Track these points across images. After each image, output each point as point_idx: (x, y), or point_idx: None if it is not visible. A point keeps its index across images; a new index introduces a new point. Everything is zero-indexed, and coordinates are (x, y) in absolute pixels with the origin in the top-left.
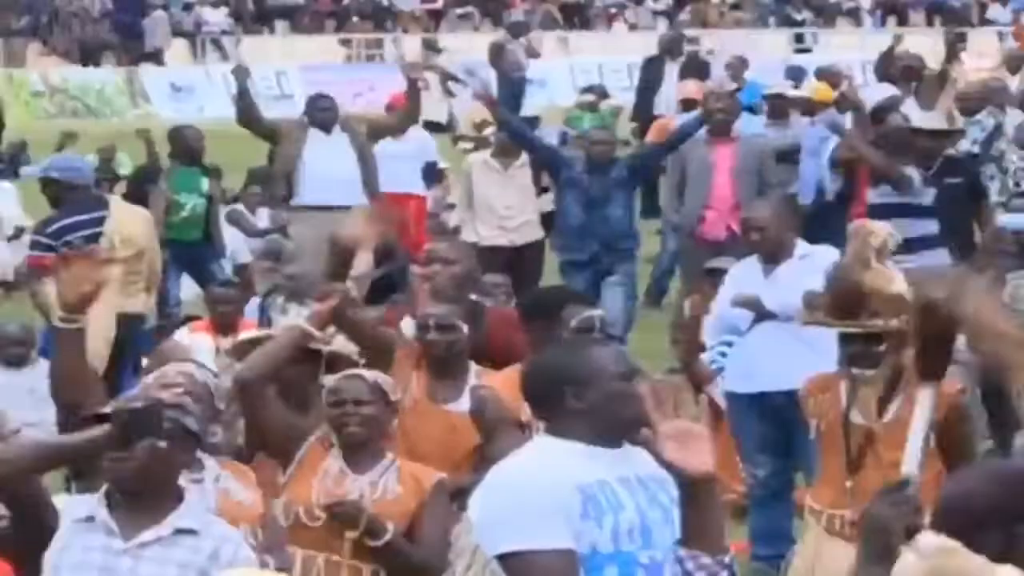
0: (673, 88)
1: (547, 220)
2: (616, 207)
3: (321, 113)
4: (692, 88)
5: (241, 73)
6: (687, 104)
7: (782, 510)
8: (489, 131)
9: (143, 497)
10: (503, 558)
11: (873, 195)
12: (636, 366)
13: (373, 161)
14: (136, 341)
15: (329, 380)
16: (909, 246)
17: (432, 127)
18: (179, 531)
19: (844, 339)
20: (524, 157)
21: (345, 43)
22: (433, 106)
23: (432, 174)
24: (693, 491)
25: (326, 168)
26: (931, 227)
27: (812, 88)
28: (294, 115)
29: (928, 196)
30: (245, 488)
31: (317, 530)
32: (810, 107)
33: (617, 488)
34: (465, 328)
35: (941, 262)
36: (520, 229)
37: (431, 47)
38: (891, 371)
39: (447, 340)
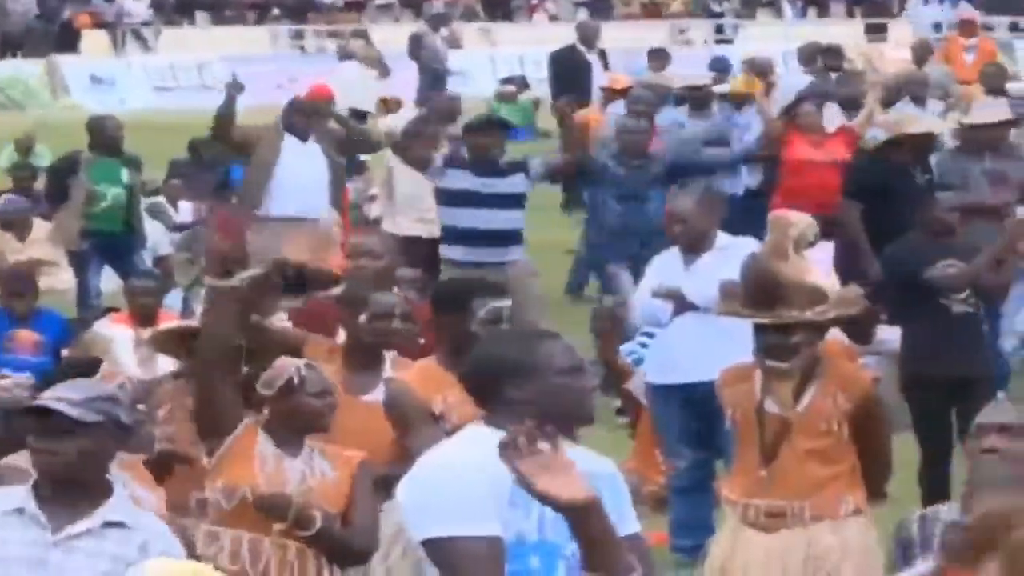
0: (592, 78)
1: None
2: (655, 203)
3: (299, 119)
4: (616, 79)
5: (234, 88)
6: (609, 95)
7: (703, 500)
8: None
9: (72, 490)
10: (429, 543)
11: None
12: (584, 361)
13: (342, 172)
14: None
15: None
16: None
17: (359, 116)
18: (108, 524)
19: (759, 330)
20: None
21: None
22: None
23: (353, 166)
24: (575, 520)
25: (299, 178)
26: None
27: (737, 80)
28: (215, 105)
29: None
30: (141, 487)
31: (261, 516)
32: (736, 99)
33: None
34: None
35: None
36: (439, 221)
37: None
38: (805, 362)
39: (410, 331)
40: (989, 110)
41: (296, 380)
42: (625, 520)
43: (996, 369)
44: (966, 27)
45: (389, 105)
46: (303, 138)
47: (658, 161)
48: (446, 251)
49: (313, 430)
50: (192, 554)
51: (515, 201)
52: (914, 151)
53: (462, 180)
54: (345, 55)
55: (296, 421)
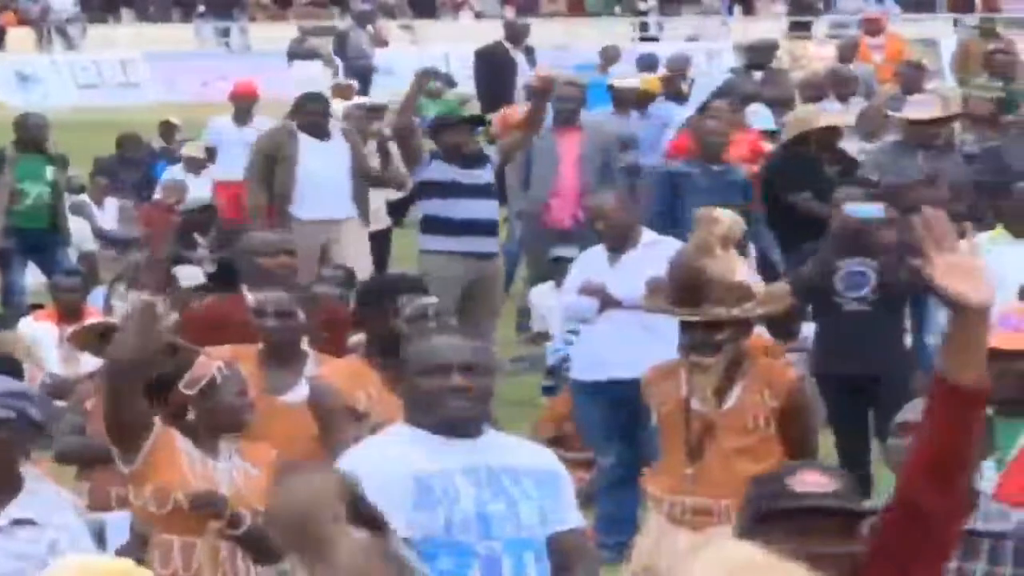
0: (517, 76)
1: (395, 208)
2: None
3: (311, 117)
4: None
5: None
6: (532, 91)
7: (628, 497)
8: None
9: None
10: None
11: None
12: (463, 362)
13: (366, 169)
14: None
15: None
16: None
17: None
18: (17, 522)
19: (684, 326)
20: (372, 146)
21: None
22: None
23: None
24: (965, 319)
25: (319, 179)
26: None
27: (642, 80)
28: (141, 102)
29: None
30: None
31: (194, 517)
32: (642, 98)
33: (458, 479)
34: (302, 315)
35: None
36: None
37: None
38: (730, 359)
39: (284, 326)
40: (926, 106)
41: (219, 380)
42: (566, 515)
43: (909, 367)
44: (870, 26)
45: (343, 92)
46: (320, 136)
47: (736, 170)
48: (427, 242)
49: (234, 429)
50: (143, 546)
51: (490, 191)
52: (819, 145)
53: (447, 171)
54: (295, 53)
55: (217, 420)
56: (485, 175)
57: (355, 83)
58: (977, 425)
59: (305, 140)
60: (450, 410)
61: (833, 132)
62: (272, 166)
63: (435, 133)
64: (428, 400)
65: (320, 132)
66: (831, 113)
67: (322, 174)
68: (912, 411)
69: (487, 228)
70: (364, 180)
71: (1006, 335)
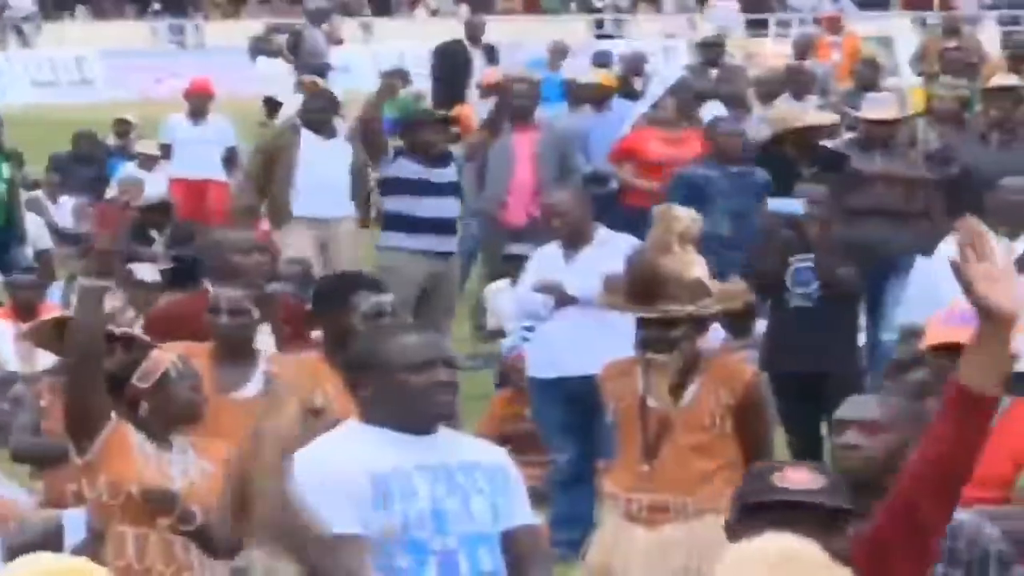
0: (472, 74)
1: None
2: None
3: (318, 115)
4: (493, 74)
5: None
6: (487, 90)
7: (583, 494)
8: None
9: None
10: None
11: None
12: (441, 356)
13: (365, 176)
14: None
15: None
16: None
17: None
18: None
19: (640, 323)
20: None
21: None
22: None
23: (233, 159)
24: (991, 326)
25: (319, 177)
26: None
27: (602, 76)
28: (95, 99)
29: None
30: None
31: (145, 510)
32: (598, 94)
33: (414, 476)
34: (256, 313)
35: None
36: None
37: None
38: (685, 357)
39: (238, 324)
40: (884, 105)
41: (172, 374)
42: (519, 511)
43: (858, 365)
44: (831, 24)
45: (309, 87)
46: (324, 133)
47: (760, 173)
48: (388, 239)
49: (187, 422)
50: (100, 542)
51: (455, 189)
52: (798, 145)
53: (414, 169)
54: (258, 50)
55: (170, 414)
56: (449, 174)
57: (320, 79)
58: (986, 434)
59: (308, 137)
60: (437, 405)
61: (813, 131)
62: (270, 167)
63: (408, 130)
64: (414, 396)
65: (323, 130)
66: (815, 112)
67: (322, 172)
68: (851, 408)
69: (448, 227)
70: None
71: (958, 330)
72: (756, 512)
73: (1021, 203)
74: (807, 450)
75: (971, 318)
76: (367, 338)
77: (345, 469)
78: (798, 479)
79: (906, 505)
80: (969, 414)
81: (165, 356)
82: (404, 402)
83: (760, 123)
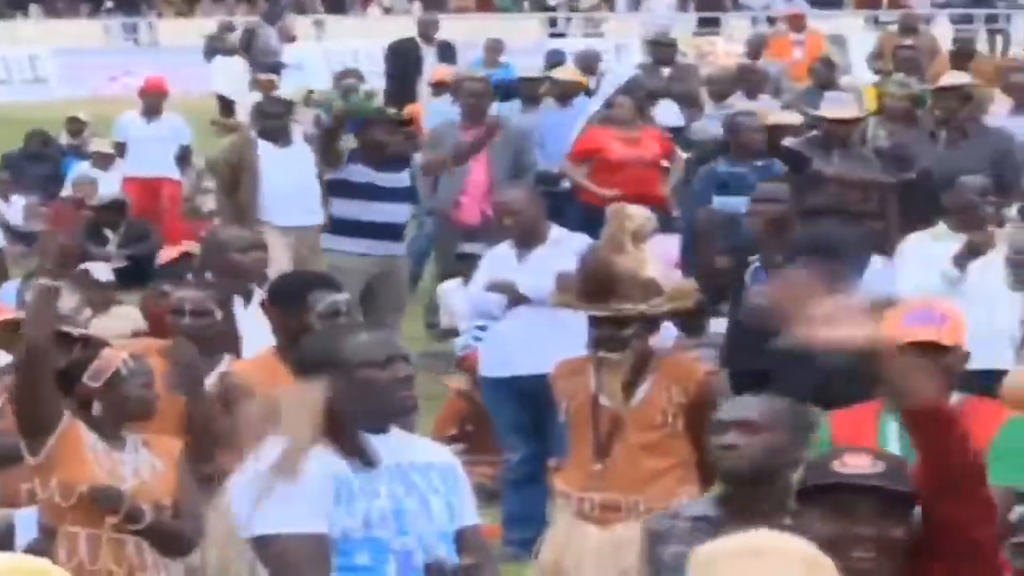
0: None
1: None
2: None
3: (271, 122)
4: (443, 72)
5: None
6: (438, 88)
7: (536, 493)
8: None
9: None
10: (257, 540)
11: None
12: (401, 352)
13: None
14: None
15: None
16: None
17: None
18: None
19: (592, 322)
20: None
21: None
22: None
23: (186, 158)
24: (874, 358)
25: (281, 187)
26: None
27: (563, 73)
28: (48, 98)
29: None
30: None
31: (93, 510)
32: (562, 92)
33: (374, 475)
34: (219, 314)
35: None
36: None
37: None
38: (637, 355)
39: (200, 325)
40: (843, 104)
41: (124, 371)
42: (464, 511)
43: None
44: (794, 22)
45: (264, 86)
46: (282, 143)
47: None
48: (331, 241)
49: (139, 419)
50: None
51: (407, 195)
52: (768, 144)
53: (364, 173)
54: (212, 49)
55: (121, 412)
56: (401, 179)
57: (275, 77)
58: (954, 440)
59: (265, 148)
60: (401, 400)
61: (777, 131)
62: (237, 176)
63: (360, 130)
64: (378, 392)
65: (280, 138)
66: (779, 112)
67: (285, 182)
68: (731, 409)
69: (396, 232)
70: None
71: (909, 329)
72: (814, 497)
73: (978, 202)
74: None
75: (928, 316)
76: (325, 336)
77: (308, 467)
78: (856, 463)
79: (925, 516)
80: (919, 430)
81: (116, 354)
82: (368, 398)
83: (716, 120)
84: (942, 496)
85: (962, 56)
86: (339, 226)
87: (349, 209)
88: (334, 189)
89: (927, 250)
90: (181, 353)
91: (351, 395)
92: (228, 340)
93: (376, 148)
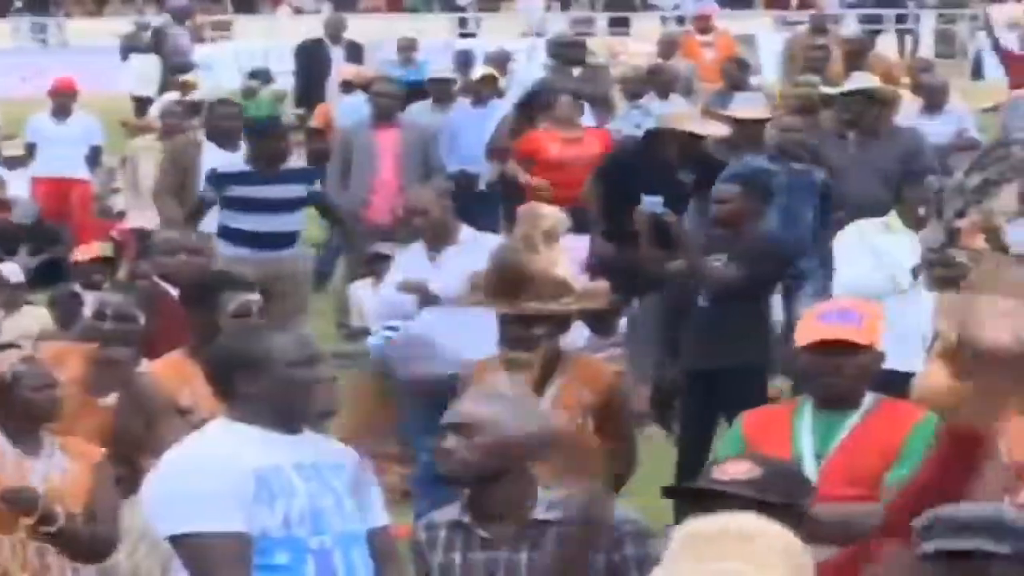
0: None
1: None
2: (808, 209)
3: (222, 124)
4: (351, 71)
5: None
6: (346, 87)
7: (446, 493)
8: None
9: None
10: (175, 540)
11: None
12: (318, 352)
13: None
14: None
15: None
16: None
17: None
18: None
19: (502, 321)
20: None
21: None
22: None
23: (96, 158)
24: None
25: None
26: None
27: (480, 72)
28: None
29: None
30: None
31: (5, 513)
32: (478, 91)
33: (291, 474)
34: (142, 318)
35: None
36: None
37: None
38: (547, 355)
39: (122, 329)
40: (753, 105)
41: (9, 376)
42: (372, 512)
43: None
44: (702, 22)
45: (184, 86)
46: (231, 147)
47: (815, 172)
48: (220, 247)
49: (36, 422)
50: None
51: (297, 204)
52: (679, 149)
53: (253, 185)
54: (128, 48)
55: (17, 415)
56: (293, 190)
57: (193, 78)
58: (976, 472)
59: (212, 152)
60: (321, 401)
61: (696, 138)
62: (183, 179)
63: (250, 138)
64: (299, 391)
65: (229, 142)
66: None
67: None
68: (450, 414)
69: (285, 241)
70: None
71: (827, 328)
72: (693, 500)
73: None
74: (692, 447)
75: (845, 315)
76: (242, 336)
77: (227, 466)
78: (733, 470)
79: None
80: (965, 450)
81: (4, 359)
82: (288, 398)
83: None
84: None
85: (856, 55)
86: (225, 234)
87: (233, 219)
88: (223, 201)
89: (873, 243)
90: (109, 357)
91: (272, 394)
92: (154, 343)
93: (267, 157)
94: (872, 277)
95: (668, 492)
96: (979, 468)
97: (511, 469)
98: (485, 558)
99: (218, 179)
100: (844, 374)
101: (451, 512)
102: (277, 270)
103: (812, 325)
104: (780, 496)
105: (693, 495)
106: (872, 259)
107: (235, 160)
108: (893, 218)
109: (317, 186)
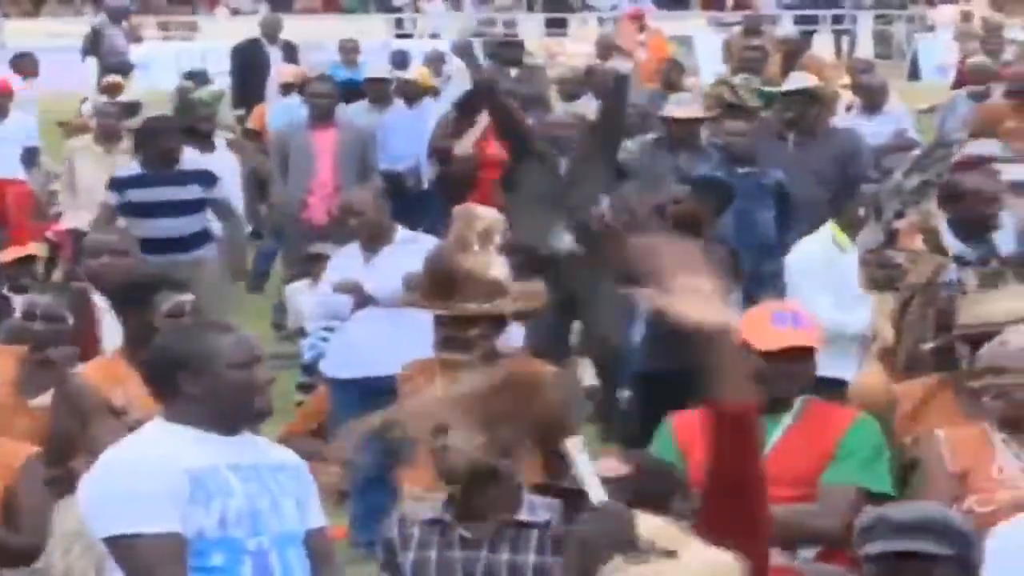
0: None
1: None
2: (765, 211)
3: (196, 124)
4: (289, 72)
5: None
6: (286, 88)
7: (383, 494)
8: (87, 111)
9: None
10: (110, 540)
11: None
12: (259, 354)
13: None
14: None
15: None
16: None
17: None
18: None
19: (438, 322)
20: (127, 143)
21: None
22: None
23: (33, 159)
24: (710, 345)
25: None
26: None
27: (416, 73)
28: None
29: None
30: None
31: None
32: (413, 92)
33: (227, 474)
34: (71, 319)
35: None
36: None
37: None
38: (482, 356)
39: (51, 330)
40: (688, 105)
41: None
42: (310, 514)
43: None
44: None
45: (111, 88)
46: (203, 148)
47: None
48: None
49: None
50: None
51: (196, 206)
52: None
53: (148, 188)
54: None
55: None
56: (191, 191)
57: (121, 79)
58: (752, 450)
59: (190, 154)
60: (259, 402)
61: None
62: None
63: (145, 138)
64: (239, 393)
65: (206, 145)
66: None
67: None
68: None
69: (187, 244)
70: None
71: (792, 334)
72: (564, 497)
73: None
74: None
75: (799, 320)
76: (184, 336)
77: (163, 467)
78: (605, 467)
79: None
80: (722, 433)
81: None
82: (227, 399)
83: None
84: (720, 499)
85: (792, 56)
86: None
87: (136, 224)
88: (120, 207)
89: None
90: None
91: (213, 395)
92: (86, 345)
93: (162, 158)
94: (841, 318)
95: (539, 489)
96: (755, 443)
97: (505, 469)
98: (464, 557)
99: (117, 185)
100: (800, 378)
101: (427, 510)
102: (181, 274)
103: (769, 330)
104: (648, 495)
105: (563, 493)
106: (831, 295)
107: (207, 162)
108: (840, 233)
109: (218, 188)
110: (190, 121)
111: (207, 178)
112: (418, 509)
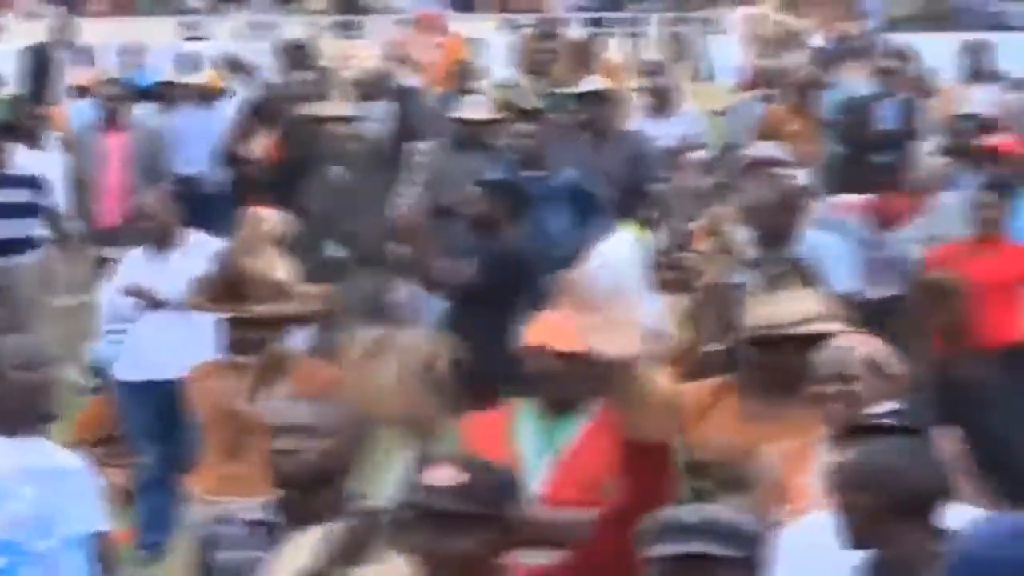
0: (62, 76)
1: None
2: (556, 214)
3: (25, 122)
4: (81, 75)
5: None
6: (81, 91)
7: (166, 497)
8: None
9: None
10: None
11: None
12: (45, 357)
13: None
14: None
15: None
16: None
17: None
18: None
19: (225, 325)
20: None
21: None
22: None
23: None
24: (613, 377)
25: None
26: None
27: (208, 76)
28: None
29: None
30: None
31: None
32: (205, 94)
33: (14, 477)
34: None
35: None
36: None
37: None
38: (268, 358)
39: None
40: (480, 107)
41: None
42: (91, 518)
43: None
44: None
45: None
46: (31, 142)
47: (565, 174)
48: None
49: None
50: None
51: (20, 210)
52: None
53: None
54: None
55: None
56: (16, 194)
57: None
58: (666, 479)
59: (20, 151)
60: (46, 405)
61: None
62: None
63: None
64: (25, 394)
65: (35, 141)
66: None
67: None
68: (289, 414)
69: (10, 248)
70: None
71: (565, 335)
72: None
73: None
74: None
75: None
76: None
77: None
78: (437, 476)
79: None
80: (637, 464)
81: None
82: (11, 401)
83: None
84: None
85: (583, 58)
86: None
87: None
88: None
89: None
90: None
91: (2, 397)
92: None
93: None
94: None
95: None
96: (669, 475)
97: (339, 475)
98: None
99: None
100: (596, 379)
101: (255, 511)
102: (3, 278)
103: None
104: (483, 504)
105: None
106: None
107: (39, 158)
108: (640, 233)
109: (45, 194)
110: (9, 120)
111: (33, 182)
112: (236, 510)
